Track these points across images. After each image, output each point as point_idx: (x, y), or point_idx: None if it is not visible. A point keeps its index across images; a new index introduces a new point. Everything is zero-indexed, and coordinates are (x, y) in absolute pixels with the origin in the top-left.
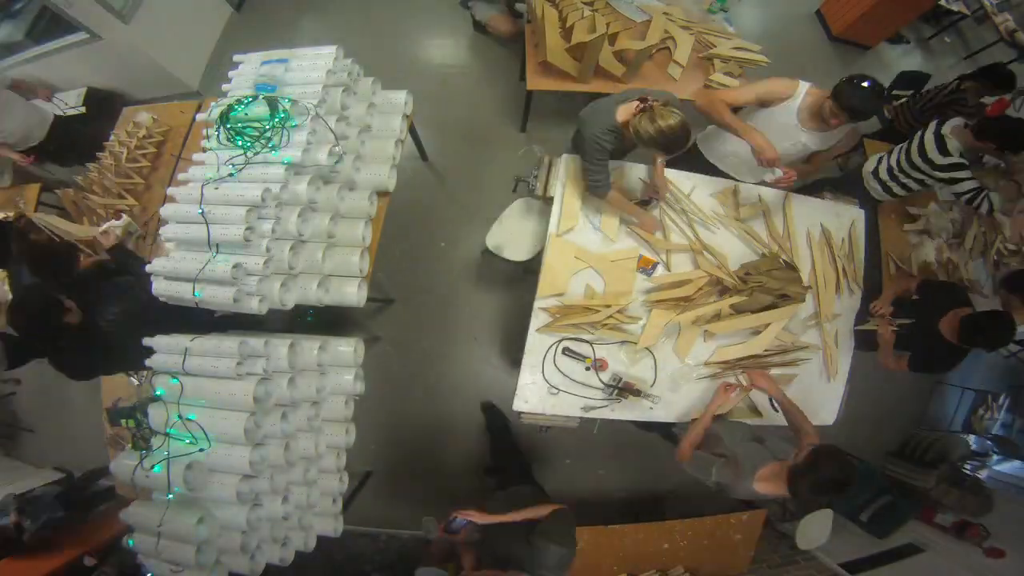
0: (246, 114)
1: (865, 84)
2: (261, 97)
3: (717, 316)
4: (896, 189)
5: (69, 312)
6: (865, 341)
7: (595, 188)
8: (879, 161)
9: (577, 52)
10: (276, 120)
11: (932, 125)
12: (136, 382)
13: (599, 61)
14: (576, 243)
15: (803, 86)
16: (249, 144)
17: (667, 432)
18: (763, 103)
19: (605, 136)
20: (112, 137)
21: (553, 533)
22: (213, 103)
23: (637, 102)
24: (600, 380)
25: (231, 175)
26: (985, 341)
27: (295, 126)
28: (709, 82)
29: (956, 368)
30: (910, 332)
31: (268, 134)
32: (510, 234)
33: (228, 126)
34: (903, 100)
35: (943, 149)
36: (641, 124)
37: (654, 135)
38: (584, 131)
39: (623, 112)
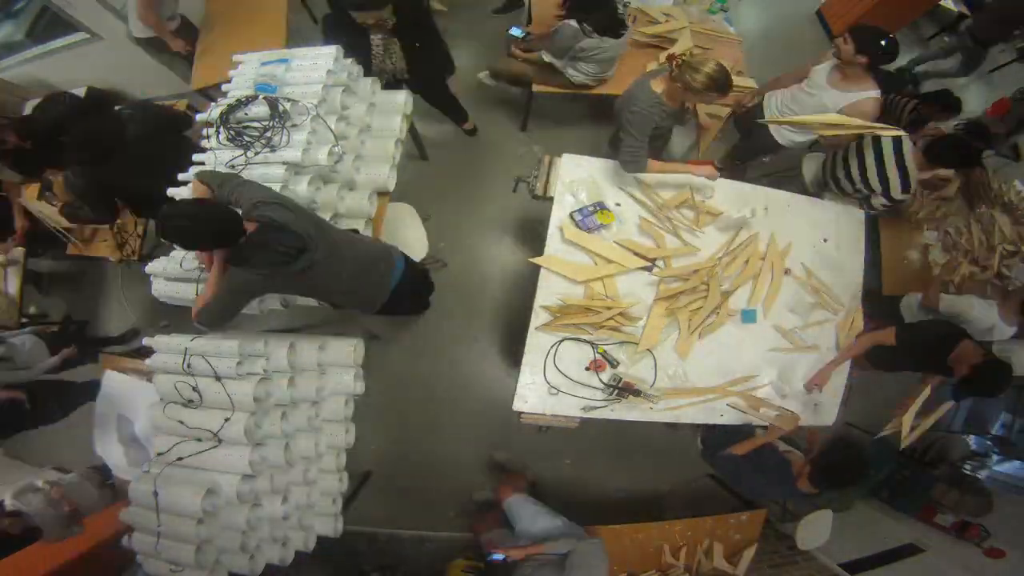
0: (246, 114)
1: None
2: (261, 97)
3: (716, 313)
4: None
5: None
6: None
7: (634, 162)
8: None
9: None
10: (275, 120)
11: (892, 161)
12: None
13: None
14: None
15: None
16: (250, 143)
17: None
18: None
19: (653, 108)
20: None
21: None
22: (213, 103)
23: (666, 69)
24: (600, 380)
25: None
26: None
27: (295, 126)
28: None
29: None
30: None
31: (268, 134)
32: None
33: (229, 126)
34: None
35: (906, 187)
36: (689, 77)
37: (706, 80)
38: (633, 109)
39: (658, 83)
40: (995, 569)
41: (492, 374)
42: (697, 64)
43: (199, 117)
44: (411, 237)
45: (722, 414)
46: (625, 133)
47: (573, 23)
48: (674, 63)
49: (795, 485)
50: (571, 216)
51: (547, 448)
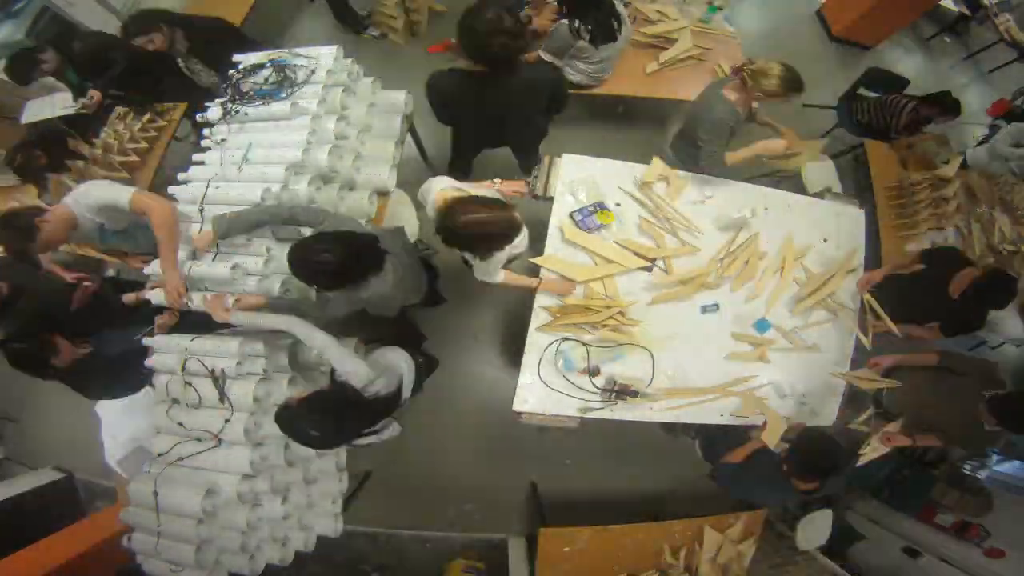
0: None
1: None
2: (268, 64)
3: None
4: None
5: (61, 353)
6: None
7: (717, 164)
8: None
9: None
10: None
11: None
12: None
13: None
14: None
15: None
16: (265, 92)
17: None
18: None
19: (731, 116)
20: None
21: None
22: (210, 104)
23: (735, 78)
24: (595, 385)
25: (246, 160)
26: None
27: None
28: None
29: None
30: (925, 303)
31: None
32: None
33: (242, 89)
34: (871, 100)
35: None
36: (763, 83)
37: (779, 83)
38: (707, 118)
39: (730, 90)
40: (995, 569)
41: (492, 374)
42: (766, 70)
43: (199, 117)
44: (403, 221)
45: (722, 414)
46: (705, 141)
47: (567, 24)
48: (743, 74)
49: (792, 485)
50: (571, 216)
51: (547, 448)
